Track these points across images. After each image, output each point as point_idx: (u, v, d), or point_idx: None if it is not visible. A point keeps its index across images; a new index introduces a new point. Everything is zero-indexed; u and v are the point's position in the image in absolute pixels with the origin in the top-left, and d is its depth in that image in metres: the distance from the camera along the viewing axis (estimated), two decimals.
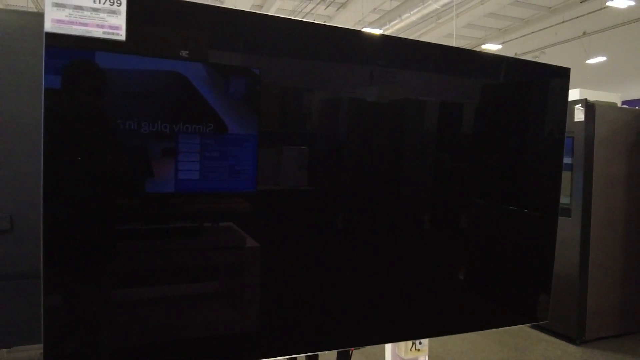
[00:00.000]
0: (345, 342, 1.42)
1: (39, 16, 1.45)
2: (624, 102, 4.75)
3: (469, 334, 3.67)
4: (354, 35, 1.37)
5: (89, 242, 1.11)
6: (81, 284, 1.12)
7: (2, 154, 1.41)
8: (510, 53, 13.49)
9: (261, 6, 12.90)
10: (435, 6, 10.07)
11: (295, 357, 1.81)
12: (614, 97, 4.48)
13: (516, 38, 13.14)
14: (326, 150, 1.33)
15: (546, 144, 1.68)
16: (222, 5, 1.10)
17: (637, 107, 4.05)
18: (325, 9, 12.48)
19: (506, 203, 1.64)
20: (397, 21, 11.34)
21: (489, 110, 1.56)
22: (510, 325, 1.69)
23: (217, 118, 1.15)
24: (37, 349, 1.51)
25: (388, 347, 2.03)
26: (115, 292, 1.17)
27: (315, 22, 1.29)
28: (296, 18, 1.26)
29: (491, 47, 13.34)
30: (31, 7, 11.02)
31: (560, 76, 1.67)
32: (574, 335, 3.66)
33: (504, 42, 13.42)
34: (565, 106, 1.71)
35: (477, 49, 13.72)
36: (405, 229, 1.48)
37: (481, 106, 1.54)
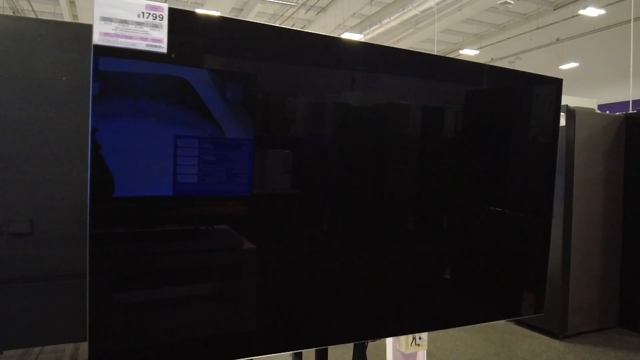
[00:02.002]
0: (345, 337, 1.48)
1: (50, 23, 1.48)
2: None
3: (457, 332, 3.80)
4: (356, 45, 1.45)
5: (129, 243, 1.17)
6: (122, 285, 1.18)
7: (22, 159, 1.45)
8: (486, 58, 13.82)
9: (241, 9, 12.92)
10: (414, 12, 10.26)
11: (301, 352, 1.89)
12: (591, 102, 4.68)
13: (492, 44, 13.48)
14: (325, 154, 1.40)
15: (541, 150, 1.79)
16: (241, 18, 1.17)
17: (607, 112, 4.24)
18: (305, 13, 12.57)
19: (504, 207, 1.75)
20: (377, 26, 11.50)
21: (491, 118, 1.67)
22: (509, 318, 1.80)
23: (231, 123, 1.23)
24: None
25: (389, 342, 2.12)
26: (140, 292, 1.23)
27: (313, 32, 1.35)
28: (302, 30, 1.34)
29: (469, 53, 13.63)
30: (5, 8, 10.82)
31: (554, 86, 1.79)
32: (556, 330, 3.82)
33: (480, 48, 13.73)
34: (558, 114, 1.83)
35: (454, 54, 14.01)
36: (414, 231, 1.56)
37: (483, 114, 1.64)
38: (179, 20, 1.15)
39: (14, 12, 11.48)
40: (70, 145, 1.49)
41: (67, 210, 1.50)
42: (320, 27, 13.31)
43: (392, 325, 1.55)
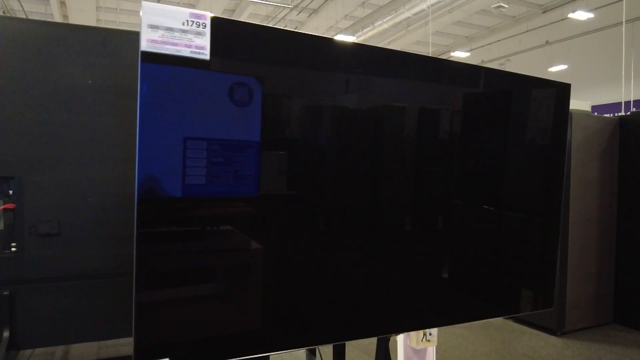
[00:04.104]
0: (357, 333, 1.54)
1: (76, 28, 1.50)
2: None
3: (458, 329, 3.88)
4: (363, 49, 1.48)
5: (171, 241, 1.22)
6: (165, 282, 1.22)
7: (50, 162, 1.47)
8: (477, 60, 13.96)
9: (233, 11, 12.94)
10: (407, 14, 10.37)
11: (315, 349, 1.94)
12: (584, 104, 4.78)
13: (482, 46, 13.64)
14: (337, 155, 1.43)
15: (550, 153, 1.86)
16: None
17: (595, 113, 4.34)
18: (297, 14, 12.62)
19: (517, 210, 1.82)
20: (369, 28, 11.59)
21: (502, 122, 1.73)
22: (522, 313, 1.87)
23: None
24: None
25: (400, 339, 2.17)
26: (177, 290, 1.27)
27: (318, 35, 1.39)
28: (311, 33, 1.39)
29: (459, 55, 13.77)
30: None
31: (563, 90, 1.86)
32: (554, 327, 3.92)
33: (471, 50, 13.88)
34: (567, 117, 1.91)
35: (445, 56, 14.14)
36: (430, 232, 1.62)
37: (495, 118, 1.71)
38: (221, 28, 1.20)
39: (4, 12, 11.38)
40: (97, 147, 1.52)
41: (94, 212, 1.53)
42: (313, 29, 13.37)
43: (403, 321, 1.61)
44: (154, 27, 1.13)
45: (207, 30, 1.18)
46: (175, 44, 1.15)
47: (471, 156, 1.66)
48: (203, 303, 1.27)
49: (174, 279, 1.24)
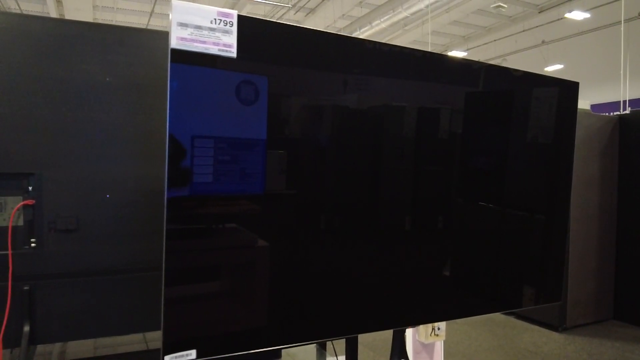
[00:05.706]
0: (368, 327, 1.56)
1: (93, 26, 1.52)
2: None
3: (460, 325, 3.91)
4: (369, 47, 1.50)
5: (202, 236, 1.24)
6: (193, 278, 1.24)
7: (68, 159, 1.49)
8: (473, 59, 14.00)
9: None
10: (405, 14, 10.41)
11: (325, 343, 1.97)
12: (584, 103, 4.83)
13: (479, 45, 13.70)
14: (336, 155, 1.43)
15: (559, 152, 1.90)
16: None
17: (591, 112, 4.38)
18: (295, 14, 12.64)
19: (528, 209, 1.85)
20: (367, 28, 11.63)
21: (510, 120, 1.76)
22: (530, 306, 1.90)
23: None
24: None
25: (409, 333, 2.21)
26: (203, 285, 1.29)
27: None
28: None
29: (457, 54, 13.83)
30: None
31: (571, 89, 1.89)
32: (556, 323, 3.97)
33: (468, 49, 13.94)
34: (575, 116, 1.94)
35: None
36: (442, 231, 1.65)
37: (504, 117, 1.74)
38: (247, 26, 1.23)
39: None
40: (115, 144, 1.53)
41: (112, 208, 1.54)
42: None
43: (413, 315, 1.63)
44: (183, 25, 1.15)
45: (234, 28, 1.21)
46: (204, 42, 1.17)
47: (486, 155, 1.69)
48: (225, 298, 1.29)
49: (201, 274, 1.26)
